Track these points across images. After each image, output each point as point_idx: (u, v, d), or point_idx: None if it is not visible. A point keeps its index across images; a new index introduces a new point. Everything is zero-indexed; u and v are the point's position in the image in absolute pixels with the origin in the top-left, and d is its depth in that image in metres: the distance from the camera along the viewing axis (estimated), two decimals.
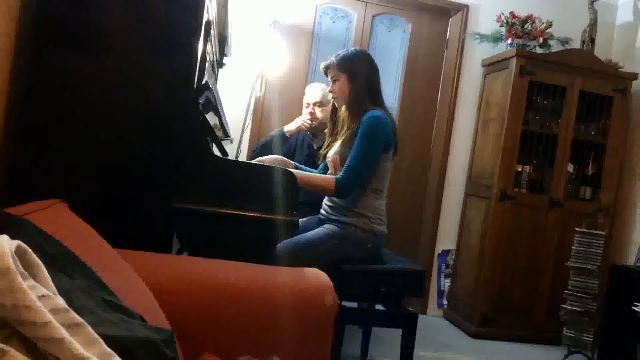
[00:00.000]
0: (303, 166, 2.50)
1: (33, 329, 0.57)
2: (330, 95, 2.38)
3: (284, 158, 2.38)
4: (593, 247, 3.16)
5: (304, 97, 3.11)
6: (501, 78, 3.64)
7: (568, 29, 3.83)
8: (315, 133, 3.08)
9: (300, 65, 3.81)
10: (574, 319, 3.17)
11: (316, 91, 3.04)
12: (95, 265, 0.94)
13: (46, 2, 1.45)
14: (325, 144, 2.45)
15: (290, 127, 3.07)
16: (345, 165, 2.15)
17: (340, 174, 2.15)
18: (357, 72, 2.26)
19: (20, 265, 0.60)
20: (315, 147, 3.01)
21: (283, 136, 3.05)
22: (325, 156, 2.43)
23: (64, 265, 0.84)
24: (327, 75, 2.37)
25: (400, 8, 3.96)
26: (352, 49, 2.41)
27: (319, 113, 3.01)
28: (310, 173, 2.28)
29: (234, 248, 1.64)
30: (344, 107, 2.31)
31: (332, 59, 2.31)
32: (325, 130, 2.94)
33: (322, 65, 2.36)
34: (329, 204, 2.30)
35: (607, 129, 3.71)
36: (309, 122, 3.02)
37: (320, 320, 1.37)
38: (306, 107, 3.06)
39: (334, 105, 2.44)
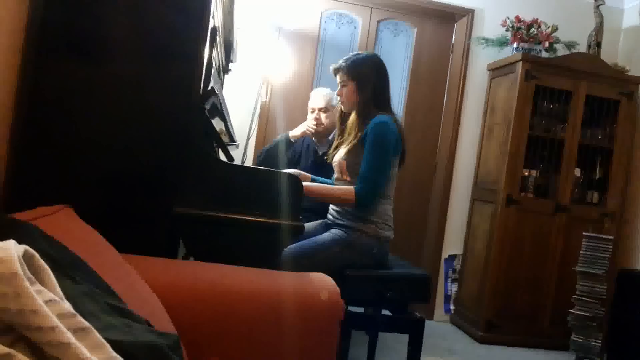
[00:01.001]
0: (319, 177, 2.49)
1: (39, 334, 0.57)
2: (337, 98, 2.38)
3: (301, 172, 2.38)
4: (600, 252, 3.15)
5: (309, 102, 3.10)
6: (507, 82, 3.64)
7: (574, 33, 3.83)
8: (320, 139, 3.07)
9: (306, 70, 3.82)
10: (582, 324, 3.15)
11: (321, 97, 3.03)
12: (101, 270, 0.94)
13: (52, 11, 1.47)
14: (334, 146, 2.44)
15: (295, 133, 3.05)
16: (360, 176, 2.14)
17: (357, 185, 2.14)
18: (366, 80, 2.25)
19: (27, 270, 0.60)
20: (320, 154, 3.00)
21: (288, 142, 3.04)
22: (332, 156, 2.43)
23: (70, 270, 0.84)
24: (335, 77, 2.37)
25: (406, 13, 3.96)
26: (364, 54, 2.36)
27: (324, 119, 3.00)
28: (327, 185, 2.27)
29: (239, 253, 1.64)
30: (353, 114, 2.30)
31: (342, 62, 2.30)
32: (330, 136, 2.94)
33: (331, 68, 2.35)
34: (336, 208, 2.30)
35: (613, 133, 3.69)
36: (314, 127, 3.00)
37: (326, 325, 1.37)
38: (311, 112, 3.05)
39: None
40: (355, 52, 2.37)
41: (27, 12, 1.44)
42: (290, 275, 1.47)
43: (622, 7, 4.08)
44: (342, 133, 2.41)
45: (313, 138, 3.08)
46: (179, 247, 1.67)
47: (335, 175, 2.34)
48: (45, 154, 1.49)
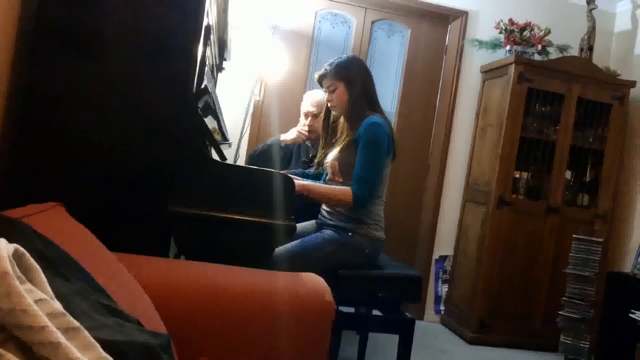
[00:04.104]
0: (308, 180, 2.47)
1: (29, 333, 0.57)
2: (328, 104, 2.36)
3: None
4: (590, 254, 3.17)
5: (302, 105, 3.04)
6: (500, 84, 3.65)
7: (566, 36, 3.85)
8: (312, 143, 3.03)
9: (300, 70, 3.82)
10: (572, 326, 3.18)
11: (313, 102, 2.94)
12: (92, 269, 0.94)
13: (46, 8, 1.46)
14: (320, 153, 2.44)
15: (286, 137, 2.98)
16: (356, 177, 2.14)
17: (354, 186, 2.13)
18: (354, 79, 2.25)
19: (17, 269, 0.60)
20: (311, 155, 2.98)
21: (279, 145, 3.00)
22: (318, 164, 2.42)
23: (61, 269, 0.84)
24: (321, 85, 2.35)
25: (400, 14, 3.97)
26: (344, 56, 2.37)
27: (317, 124, 2.95)
28: (325, 185, 2.27)
29: (231, 252, 1.64)
30: (342, 115, 2.30)
31: (326, 67, 2.29)
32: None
33: (316, 76, 2.34)
34: (327, 209, 2.30)
35: (604, 136, 3.72)
36: (306, 134, 2.93)
37: (317, 325, 1.37)
38: (305, 117, 3.00)
39: (326, 114, 2.43)
40: (335, 57, 2.34)
41: (20, 9, 1.43)
42: (282, 275, 1.47)
43: (614, 11, 4.11)
44: (326, 140, 2.41)
45: (307, 142, 3.04)
46: (170, 246, 1.66)
47: (328, 177, 2.33)
48: (37, 151, 1.48)
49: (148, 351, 0.77)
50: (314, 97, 2.95)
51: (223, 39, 2.55)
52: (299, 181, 2.02)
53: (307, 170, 2.80)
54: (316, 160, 2.47)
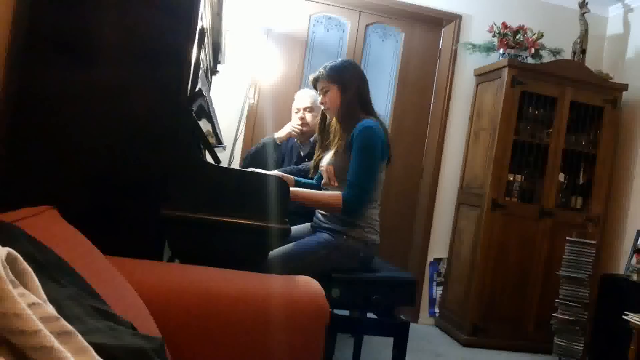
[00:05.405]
0: (302, 179, 2.48)
1: (22, 338, 0.56)
2: (322, 106, 2.37)
3: (283, 174, 2.36)
4: (584, 256, 3.19)
5: (294, 102, 3.08)
6: (493, 88, 3.67)
7: (559, 40, 3.88)
8: (303, 140, 3.06)
9: (294, 73, 3.82)
10: (565, 328, 3.19)
11: (306, 96, 3.02)
12: (85, 272, 0.94)
13: (39, 11, 1.45)
14: (316, 156, 2.44)
15: (280, 134, 3.04)
16: (348, 182, 2.14)
17: (345, 191, 2.14)
18: (348, 81, 2.26)
19: (10, 273, 0.60)
20: (302, 155, 3.00)
21: (275, 144, 3.03)
22: (315, 167, 2.43)
23: (54, 273, 0.84)
24: (316, 88, 2.36)
25: (394, 18, 3.98)
26: (340, 59, 2.38)
27: (309, 118, 2.99)
28: (314, 191, 2.27)
29: (225, 256, 1.64)
30: (335, 118, 2.30)
31: (320, 70, 2.30)
32: (312, 138, 2.94)
33: (311, 78, 2.34)
34: (322, 212, 2.30)
35: (597, 139, 3.74)
36: (299, 127, 2.99)
37: (312, 328, 1.37)
38: (296, 112, 3.03)
39: (322, 116, 2.43)
40: (330, 61, 2.35)
41: (13, 14, 1.42)
42: (277, 278, 1.47)
43: (607, 15, 4.14)
44: (322, 142, 2.42)
45: (297, 140, 3.07)
46: (164, 249, 1.66)
47: (323, 181, 2.33)
48: (31, 154, 1.48)
49: (141, 355, 0.77)
50: (308, 92, 3.03)
51: (217, 42, 2.55)
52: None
53: (300, 166, 2.81)
54: (312, 164, 2.47)
